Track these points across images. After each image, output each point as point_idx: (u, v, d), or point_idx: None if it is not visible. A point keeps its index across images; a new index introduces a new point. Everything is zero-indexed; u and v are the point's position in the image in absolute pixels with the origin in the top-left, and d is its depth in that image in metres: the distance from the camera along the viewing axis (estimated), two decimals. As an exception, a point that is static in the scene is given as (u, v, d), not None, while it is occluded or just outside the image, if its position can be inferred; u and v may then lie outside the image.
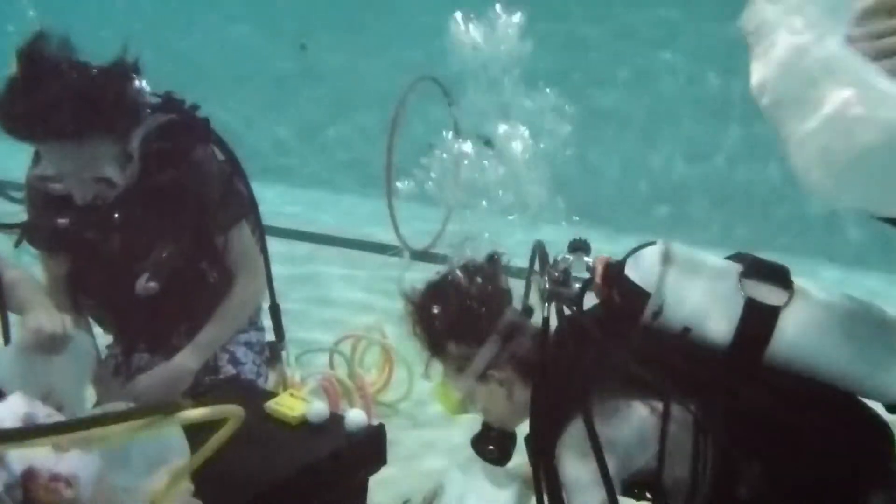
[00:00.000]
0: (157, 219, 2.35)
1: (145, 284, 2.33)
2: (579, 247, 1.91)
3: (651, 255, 1.82)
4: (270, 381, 2.74)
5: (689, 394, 1.75)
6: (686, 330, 1.76)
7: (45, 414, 1.32)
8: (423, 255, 6.78)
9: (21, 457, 1.25)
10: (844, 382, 1.69)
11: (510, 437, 2.00)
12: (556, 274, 1.88)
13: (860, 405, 1.73)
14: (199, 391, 2.42)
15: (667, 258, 1.79)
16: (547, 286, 1.86)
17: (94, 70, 2.16)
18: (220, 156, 2.50)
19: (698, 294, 1.77)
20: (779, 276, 1.77)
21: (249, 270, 2.54)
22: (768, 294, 1.73)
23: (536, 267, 1.93)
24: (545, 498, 1.81)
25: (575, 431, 1.76)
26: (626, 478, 1.80)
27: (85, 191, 2.22)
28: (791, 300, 1.71)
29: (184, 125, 2.38)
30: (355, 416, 2.15)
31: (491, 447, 2.01)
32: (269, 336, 2.81)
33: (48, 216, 2.33)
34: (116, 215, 2.30)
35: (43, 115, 2.09)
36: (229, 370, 2.58)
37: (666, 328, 1.78)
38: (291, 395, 2.26)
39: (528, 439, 1.97)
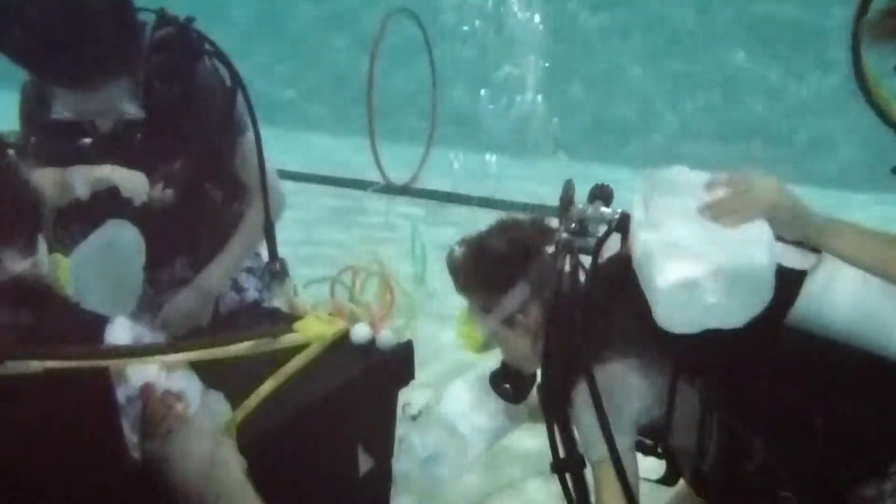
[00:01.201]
0: (163, 135, 2.30)
1: (161, 192, 2.29)
2: (600, 195, 1.82)
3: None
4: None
5: (698, 363, 1.69)
6: None
7: (150, 336, 1.36)
8: (404, 191, 6.84)
9: (139, 373, 1.29)
10: (876, 347, 1.59)
11: (528, 379, 1.99)
12: (573, 224, 1.80)
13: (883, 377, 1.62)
14: (222, 318, 2.44)
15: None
16: (562, 236, 1.80)
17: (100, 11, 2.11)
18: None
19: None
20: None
21: (253, 187, 2.52)
22: (794, 257, 1.65)
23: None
24: (560, 448, 1.76)
25: (583, 389, 1.71)
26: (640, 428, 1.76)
27: (108, 123, 2.21)
28: (818, 264, 1.62)
29: (182, 39, 2.34)
30: (386, 335, 2.20)
31: (507, 385, 2.01)
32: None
33: (58, 140, 2.30)
34: (139, 135, 2.28)
35: (57, 64, 2.06)
36: (233, 297, 2.56)
37: None
38: (317, 317, 2.30)
39: (494, 376, 2.00)
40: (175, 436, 1.31)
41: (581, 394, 1.71)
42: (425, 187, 6.47)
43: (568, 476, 1.75)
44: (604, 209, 1.79)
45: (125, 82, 2.19)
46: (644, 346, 1.72)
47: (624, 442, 1.67)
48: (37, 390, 1.16)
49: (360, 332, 2.18)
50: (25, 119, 2.35)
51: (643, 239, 1.55)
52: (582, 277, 1.81)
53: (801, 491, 1.64)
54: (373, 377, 2.14)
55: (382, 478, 2.24)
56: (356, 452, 2.15)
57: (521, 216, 1.97)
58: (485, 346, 1.98)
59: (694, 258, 1.47)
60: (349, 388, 2.07)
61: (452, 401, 2.13)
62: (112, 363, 1.24)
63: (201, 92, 2.33)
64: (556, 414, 1.75)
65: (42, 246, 1.37)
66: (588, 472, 1.74)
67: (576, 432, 1.75)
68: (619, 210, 1.77)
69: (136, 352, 1.29)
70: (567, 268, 1.77)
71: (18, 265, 1.29)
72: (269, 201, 2.47)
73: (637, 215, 1.62)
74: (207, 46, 2.38)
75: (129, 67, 2.18)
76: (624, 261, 1.71)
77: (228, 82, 2.45)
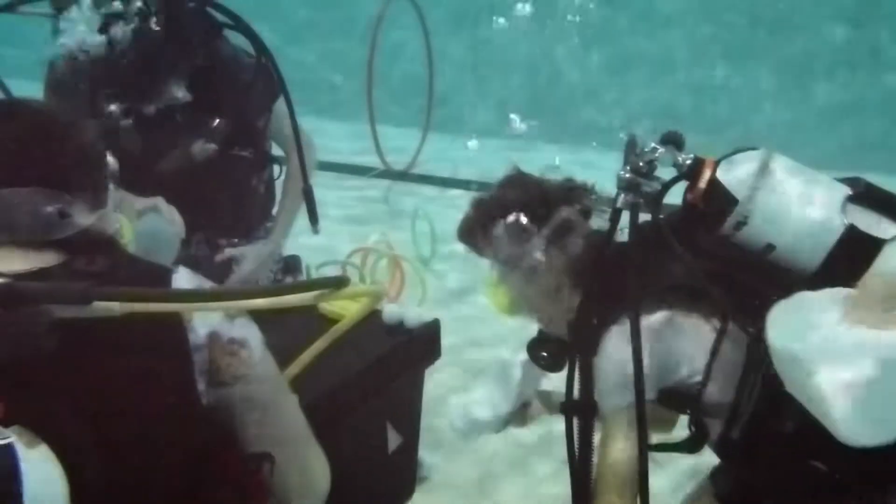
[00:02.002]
0: (198, 101, 2.36)
1: (203, 146, 2.34)
2: (672, 139, 1.73)
3: (748, 160, 1.67)
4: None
5: (752, 316, 1.61)
6: (769, 247, 1.63)
7: (209, 286, 1.37)
8: (403, 176, 6.84)
9: (204, 321, 1.30)
10: None
11: (565, 346, 1.90)
12: (641, 164, 1.72)
13: None
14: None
15: (765, 167, 1.65)
16: (626, 175, 1.73)
17: None
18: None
19: (792, 211, 1.62)
20: (892, 208, 1.63)
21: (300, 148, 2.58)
22: (875, 224, 1.59)
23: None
24: (576, 393, 1.74)
25: (619, 330, 1.68)
26: (662, 387, 1.72)
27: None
28: None
29: (201, 13, 2.38)
30: (413, 313, 2.21)
31: (544, 353, 1.96)
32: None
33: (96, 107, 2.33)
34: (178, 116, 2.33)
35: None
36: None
37: (748, 242, 1.64)
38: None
39: (532, 344, 1.95)
40: (239, 383, 1.32)
41: (612, 339, 1.69)
42: (425, 173, 6.47)
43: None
44: (677, 153, 1.71)
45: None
46: (693, 298, 1.69)
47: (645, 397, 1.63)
48: (117, 333, 1.17)
49: (391, 310, 2.19)
50: (53, 91, 2.37)
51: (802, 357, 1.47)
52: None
53: (836, 464, 1.58)
54: (401, 355, 2.15)
55: (410, 455, 2.25)
56: (385, 429, 2.16)
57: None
58: (513, 308, 1.94)
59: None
60: (379, 365, 2.08)
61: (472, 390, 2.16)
62: (187, 307, 1.26)
63: (229, 61, 2.38)
64: (583, 352, 1.72)
65: (109, 203, 1.38)
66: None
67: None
68: (692, 155, 1.70)
69: (211, 296, 1.31)
70: (624, 207, 1.71)
71: (87, 219, 1.30)
72: (305, 170, 2.53)
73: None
74: (229, 20, 2.42)
75: None
76: (685, 212, 1.69)
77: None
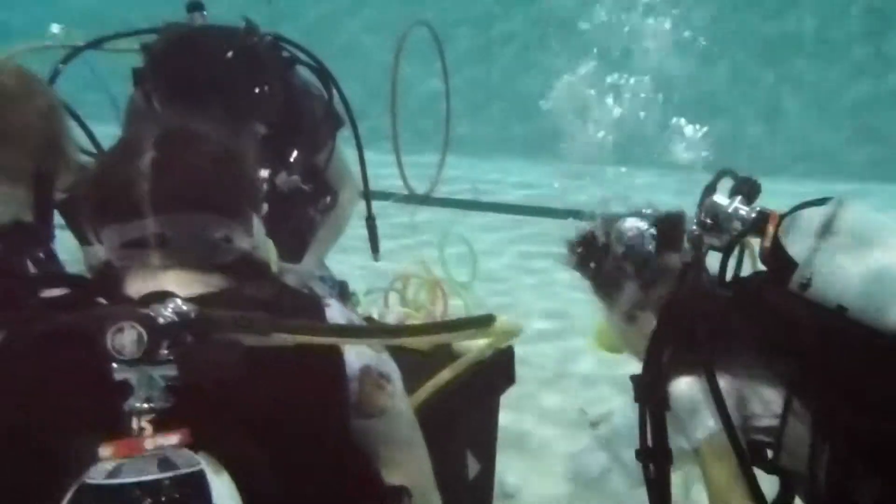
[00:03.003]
0: (273, 133, 2.41)
1: (287, 178, 2.38)
2: (744, 190, 1.70)
3: (811, 218, 1.62)
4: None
5: (818, 383, 1.56)
6: (841, 309, 1.54)
7: (358, 319, 1.40)
8: (425, 200, 6.83)
9: (358, 354, 1.32)
10: None
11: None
12: (707, 219, 1.71)
13: None
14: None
15: (829, 225, 1.58)
16: (694, 230, 1.73)
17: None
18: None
19: (863, 269, 1.53)
20: None
21: (347, 181, 2.59)
22: None
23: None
24: (648, 437, 1.72)
25: (686, 380, 1.65)
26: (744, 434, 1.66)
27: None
28: None
29: (275, 48, 2.44)
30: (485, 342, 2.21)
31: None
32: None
33: None
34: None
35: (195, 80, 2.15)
36: None
37: (818, 301, 1.57)
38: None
39: (633, 378, 1.88)
40: (382, 416, 1.35)
41: (684, 382, 1.67)
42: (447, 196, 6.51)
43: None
44: (741, 207, 1.68)
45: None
46: (760, 357, 1.66)
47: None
48: (286, 360, 1.21)
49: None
50: (130, 123, 2.41)
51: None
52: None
53: None
54: (477, 382, 2.15)
55: (487, 480, 2.25)
56: (465, 456, 2.16)
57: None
58: (615, 346, 1.97)
59: None
60: (457, 391, 2.09)
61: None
62: (355, 341, 1.30)
63: (299, 97, 2.43)
64: (651, 401, 1.71)
65: (260, 227, 1.41)
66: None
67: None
68: (758, 208, 1.67)
69: (373, 333, 1.38)
70: (690, 262, 1.73)
71: (246, 244, 1.33)
72: (369, 199, 2.58)
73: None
74: (301, 55, 2.48)
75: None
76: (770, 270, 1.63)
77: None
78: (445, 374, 1.67)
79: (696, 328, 1.63)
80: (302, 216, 2.62)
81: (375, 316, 3.27)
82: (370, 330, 1.37)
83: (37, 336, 1.19)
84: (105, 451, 1.08)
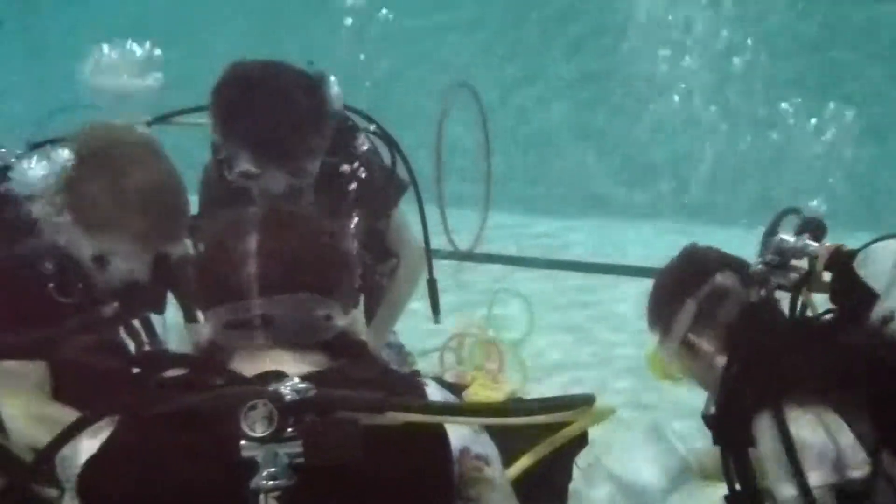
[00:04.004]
0: (328, 201, 2.38)
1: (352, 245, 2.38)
2: (811, 228, 1.67)
3: (887, 251, 1.59)
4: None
5: None
6: None
7: (452, 398, 1.38)
8: (468, 256, 6.87)
9: (457, 436, 1.30)
10: None
11: None
12: (770, 256, 1.68)
13: None
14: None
15: None
16: (759, 267, 1.70)
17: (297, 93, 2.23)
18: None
19: None
20: None
21: (411, 249, 2.61)
22: None
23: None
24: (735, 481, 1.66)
25: (767, 425, 1.58)
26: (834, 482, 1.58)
27: (281, 183, 2.30)
28: None
29: (342, 116, 2.46)
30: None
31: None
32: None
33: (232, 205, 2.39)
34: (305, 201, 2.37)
35: (263, 138, 2.18)
36: None
37: None
38: (481, 385, 2.31)
39: (705, 417, 1.85)
40: (482, 499, 1.31)
41: (765, 428, 1.60)
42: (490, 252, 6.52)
43: None
44: (810, 243, 1.65)
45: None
46: (843, 401, 1.59)
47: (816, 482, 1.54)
48: (394, 440, 1.19)
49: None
50: (204, 192, 2.44)
51: None
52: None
53: None
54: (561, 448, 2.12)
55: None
56: (537, 517, 2.12)
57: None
58: (670, 374, 1.92)
59: None
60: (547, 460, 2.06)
61: (624, 455, 2.07)
62: (461, 421, 1.27)
63: (361, 164, 2.44)
64: (730, 445, 1.67)
65: (359, 300, 1.41)
66: None
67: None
68: (827, 245, 1.64)
69: (475, 412, 1.32)
70: (755, 300, 1.69)
71: (344, 322, 1.33)
72: (430, 261, 2.57)
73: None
74: (368, 124, 2.51)
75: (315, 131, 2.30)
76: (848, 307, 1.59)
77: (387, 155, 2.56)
78: (544, 448, 1.62)
79: (771, 368, 1.61)
80: (366, 282, 2.62)
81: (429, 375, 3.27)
82: (476, 409, 1.34)
83: (165, 415, 1.19)
84: None
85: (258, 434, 1.10)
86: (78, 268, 2.04)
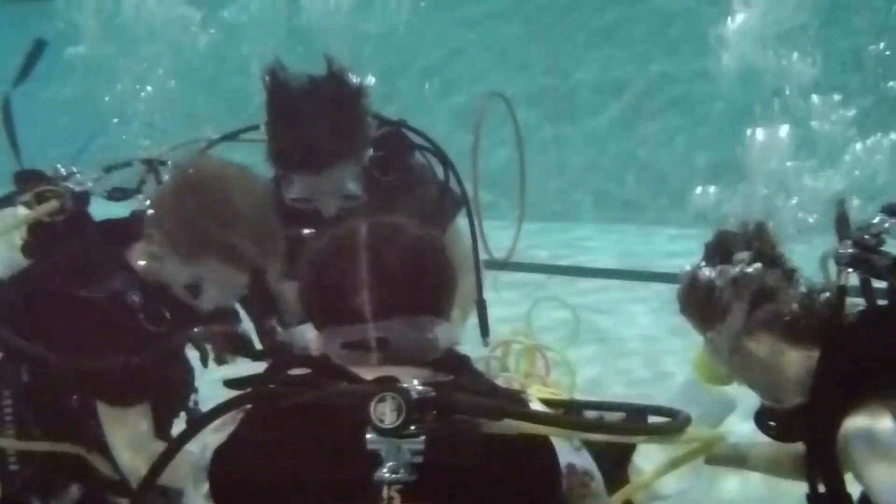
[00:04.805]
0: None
1: None
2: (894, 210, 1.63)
3: None
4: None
5: None
6: None
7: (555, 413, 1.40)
8: (504, 265, 6.87)
9: (562, 452, 1.32)
10: None
11: (795, 414, 1.81)
12: (867, 237, 1.64)
13: None
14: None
15: None
16: (849, 250, 1.65)
17: (339, 100, 2.26)
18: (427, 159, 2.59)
19: None
20: None
21: (465, 266, 2.63)
22: None
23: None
24: (819, 483, 1.65)
25: (873, 421, 1.53)
26: None
27: (333, 206, 2.33)
28: None
29: (397, 134, 2.50)
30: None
31: (772, 422, 1.87)
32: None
33: (290, 228, 2.42)
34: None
35: (305, 150, 2.21)
36: None
37: None
38: (538, 390, 2.32)
39: (759, 419, 1.89)
40: None
41: (860, 429, 1.56)
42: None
43: None
44: None
45: (350, 166, 2.35)
46: None
47: None
48: (510, 453, 1.20)
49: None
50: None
51: None
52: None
53: None
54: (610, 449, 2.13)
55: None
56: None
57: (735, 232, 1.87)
58: (720, 378, 1.89)
59: None
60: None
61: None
62: (574, 433, 1.29)
63: (414, 181, 2.48)
64: (820, 445, 1.64)
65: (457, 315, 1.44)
66: None
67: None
68: None
69: (578, 426, 1.35)
70: (845, 283, 1.65)
71: (447, 337, 1.36)
72: (480, 281, 2.58)
73: None
74: (421, 141, 2.55)
75: (354, 152, 2.33)
76: None
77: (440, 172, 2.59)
78: (650, 474, 1.62)
79: (868, 360, 1.58)
80: None
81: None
82: (596, 426, 1.38)
83: (293, 409, 1.23)
84: None
85: (387, 425, 1.13)
86: (164, 297, 2.12)
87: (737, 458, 2.04)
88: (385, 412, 1.17)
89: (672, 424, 1.30)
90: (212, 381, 2.56)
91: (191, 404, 2.53)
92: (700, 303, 1.87)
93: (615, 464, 2.17)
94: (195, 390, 2.60)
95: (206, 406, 2.38)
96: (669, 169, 8.79)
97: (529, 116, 8.38)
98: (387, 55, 7.38)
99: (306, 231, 2.44)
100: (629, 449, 2.12)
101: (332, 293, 1.36)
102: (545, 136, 9.02)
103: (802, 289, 1.83)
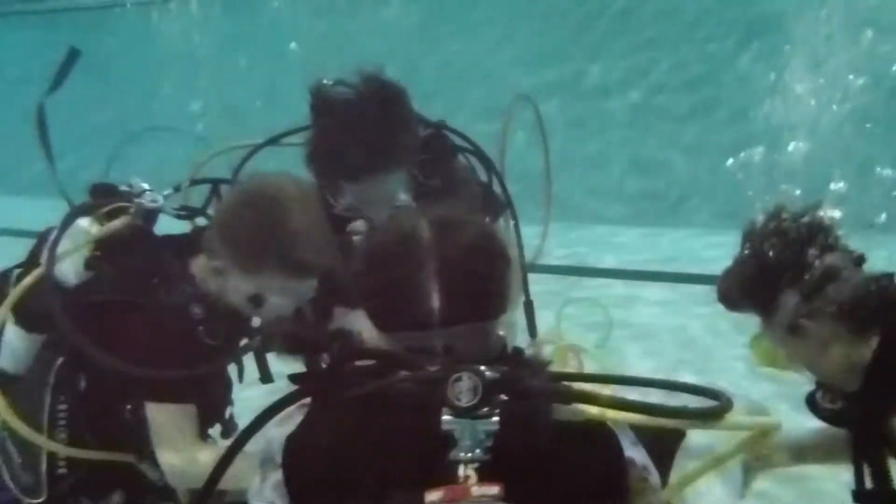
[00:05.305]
0: None
1: None
2: None
3: None
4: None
5: None
6: None
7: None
8: (531, 267, 6.88)
9: (623, 444, 1.32)
10: None
11: (848, 397, 1.77)
12: None
13: None
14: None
15: None
16: None
17: (391, 109, 2.26)
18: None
19: None
20: None
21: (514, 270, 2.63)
22: None
23: None
24: (865, 472, 1.62)
25: None
26: None
27: (383, 214, 2.35)
28: None
29: (439, 136, 2.50)
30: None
31: (827, 406, 1.82)
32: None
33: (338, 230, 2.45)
34: None
35: (357, 159, 2.22)
36: None
37: None
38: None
39: (812, 404, 1.85)
40: None
41: None
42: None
43: None
44: None
45: (398, 175, 2.35)
46: None
47: None
48: (578, 439, 1.25)
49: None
50: None
51: None
52: None
53: None
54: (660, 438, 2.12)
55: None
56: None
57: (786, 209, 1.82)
58: (777, 362, 1.84)
59: None
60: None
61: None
62: (650, 421, 1.28)
63: (459, 184, 2.48)
64: (870, 432, 1.61)
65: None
66: None
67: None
68: None
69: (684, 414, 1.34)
70: None
71: (503, 333, 1.36)
72: (527, 282, 2.58)
73: None
74: (462, 143, 2.55)
75: (406, 159, 2.34)
76: None
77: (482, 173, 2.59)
78: (707, 463, 1.61)
79: None
80: None
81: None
82: (663, 411, 1.34)
83: (363, 396, 1.24)
84: (433, 495, 1.12)
85: (464, 404, 1.14)
86: (224, 310, 2.17)
87: (795, 449, 2.01)
88: (462, 391, 1.17)
89: (726, 405, 1.28)
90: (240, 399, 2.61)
91: (226, 416, 2.55)
92: (756, 284, 1.81)
93: (658, 459, 2.17)
94: (231, 403, 2.62)
95: (241, 420, 2.42)
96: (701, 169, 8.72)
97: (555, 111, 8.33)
98: (405, 50, 7.40)
99: (356, 237, 2.46)
100: (677, 442, 2.11)
101: (398, 300, 1.35)
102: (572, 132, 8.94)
103: (864, 274, 1.78)
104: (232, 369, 2.58)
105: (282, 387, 1.43)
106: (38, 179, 2.95)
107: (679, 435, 1.88)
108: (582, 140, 9.03)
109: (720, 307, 1.87)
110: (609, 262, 6.82)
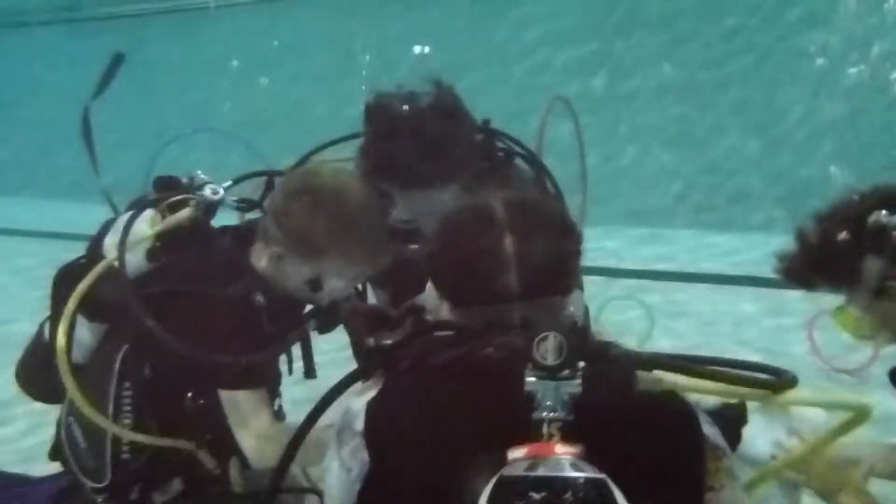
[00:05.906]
0: None
1: None
2: None
3: None
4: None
5: None
6: None
7: None
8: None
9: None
10: None
11: None
12: None
13: None
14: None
15: None
16: None
17: (446, 118, 2.28)
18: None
19: None
20: None
21: None
22: None
23: None
24: None
25: None
26: None
27: (433, 225, 2.36)
28: None
29: (491, 144, 2.50)
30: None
31: None
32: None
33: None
34: None
35: (415, 170, 2.24)
36: None
37: None
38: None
39: (891, 371, 1.82)
40: (725, 490, 1.33)
41: None
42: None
43: None
44: None
45: (455, 185, 2.36)
46: None
47: None
48: (657, 410, 1.27)
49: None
50: None
51: None
52: None
53: None
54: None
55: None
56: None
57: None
58: (867, 330, 1.81)
59: None
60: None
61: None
62: (731, 391, 1.32)
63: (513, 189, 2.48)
64: None
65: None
66: None
67: None
68: None
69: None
70: None
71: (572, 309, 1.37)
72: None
73: None
74: (514, 146, 2.54)
75: (465, 170, 2.35)
76: None
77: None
78: (827, 436, 1.58)
79: None
80: None
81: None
82: (747, 381, 1.34)
83: (443, 364, 1.26)
84: (517, 452, 1.14)
85: (550, 362, 1.15)
86: (284, 297, 2.21)
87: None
88: (548, 350, 1.19)
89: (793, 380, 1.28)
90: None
91: (275, 408, 2.58)
92: (832, 258, 1.80)
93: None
94: (279, 395, 2.66)
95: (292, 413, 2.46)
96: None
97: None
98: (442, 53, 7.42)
99: (412, 246, 2.46)
100: (741, 424, 2.11)
101: (477, 274, 1.36)
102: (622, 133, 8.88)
103: None
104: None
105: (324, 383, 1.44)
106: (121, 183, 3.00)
107: (742, 420, 1.90)
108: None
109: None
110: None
